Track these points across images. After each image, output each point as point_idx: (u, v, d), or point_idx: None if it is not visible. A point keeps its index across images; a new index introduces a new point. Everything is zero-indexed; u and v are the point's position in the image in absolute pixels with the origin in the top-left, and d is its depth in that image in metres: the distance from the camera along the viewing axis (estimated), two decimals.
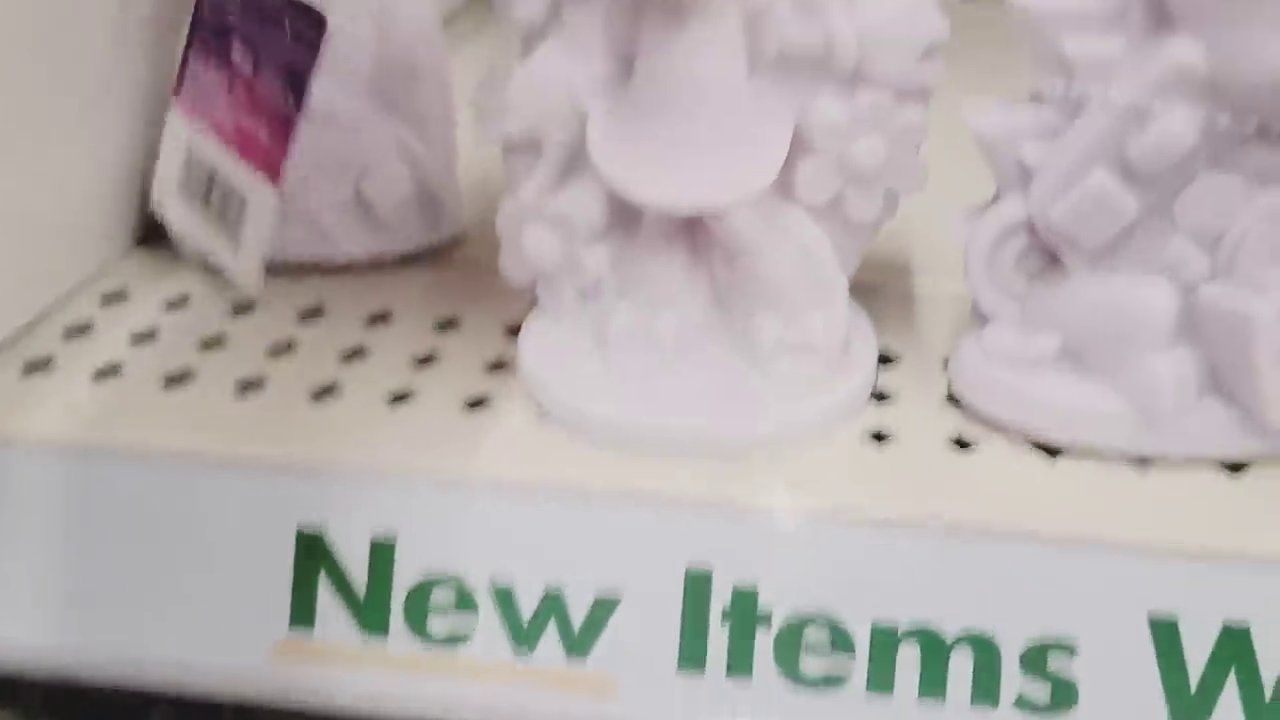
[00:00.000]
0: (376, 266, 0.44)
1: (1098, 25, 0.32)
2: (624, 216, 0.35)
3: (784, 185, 0.34)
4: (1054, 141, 0.33)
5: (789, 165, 0.34)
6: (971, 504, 0.32)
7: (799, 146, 0.34)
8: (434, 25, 0.44)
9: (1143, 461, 0.33)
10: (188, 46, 0.40)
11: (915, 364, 0.38)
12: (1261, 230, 0.31)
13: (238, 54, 0.39)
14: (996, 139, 0.34)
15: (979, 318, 0.36)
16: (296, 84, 0.38)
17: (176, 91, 0.41)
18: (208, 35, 0.40)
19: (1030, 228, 0.34)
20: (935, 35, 0.33)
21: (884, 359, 0.38)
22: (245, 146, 0.39)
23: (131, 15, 0.42)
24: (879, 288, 0.41)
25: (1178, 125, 0.30)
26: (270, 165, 0.39)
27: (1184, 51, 0.30)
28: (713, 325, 0.35)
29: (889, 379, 0.37)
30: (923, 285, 0.42)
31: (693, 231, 0.35)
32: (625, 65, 0.34)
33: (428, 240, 0.45)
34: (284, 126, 0.38)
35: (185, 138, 0.41)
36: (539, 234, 0.36)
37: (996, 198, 0.35)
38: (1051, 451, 0.34)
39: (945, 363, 0.37)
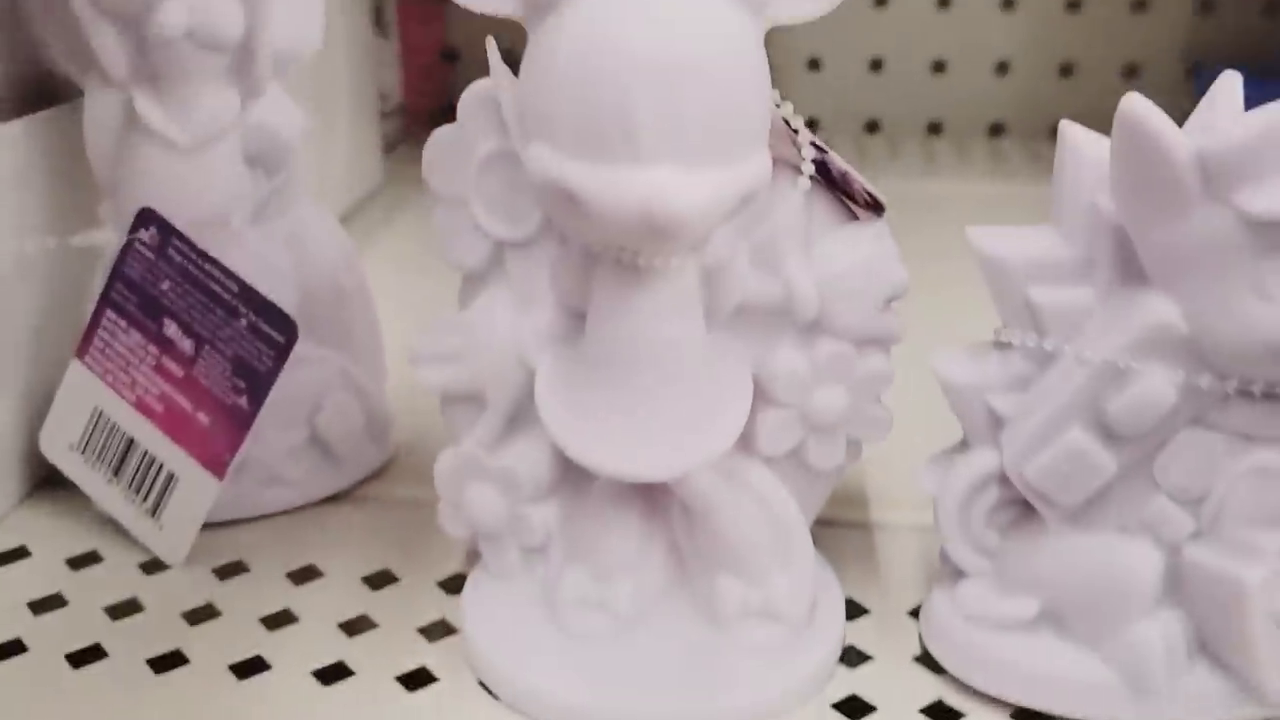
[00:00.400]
0: (290, 511, 0.41)
1: (1065, 276, 0.31)
2: (573, 472, 0.33)
3: (744, 437, 0.32)
4: (1024, 392, 0.32)
5: (749, 416, 0.32)
6: None
7: (759, 397, 0.32)
8: (349, 244, 0.42)
9: None
10: (101, 303, 0.37)
11: (885, 616, 0.36)
12: (1246, 490, 0.30)
13: (172, 331, 0.36)
14: (965, 388, 0.32)
15: (950, 569, 0.34)
16: (255, 385, 0.36)
17: (83, 350, 0.38)
18: (127, 296, 0.37)
19: (1002, 479, 0.32)
20: (896, 285, 0.32)
21: (852, 610, 0.36)
22: (176, 426, 0.37)
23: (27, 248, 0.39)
24: (841, 522, 0.40)
25: (1157, 385, 0.29)
26: (213, 458, 0.37)
27: (1162, 310, 0.29)
28: (671, 589, 0.33)
29: (859, 635, 0.35)
30: (886, 517, 0.40)
31: (649, 489, 0.32)
32: (573, 318, 0.32)
33: (375, 467, 0.42)
34: (233, 421, 0.36)
35: (93, 398, 0.38)
36: (483, 491, 0.33)
37: (965, 445, 0.33)
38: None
39: (916, 612, 0.35)
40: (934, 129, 0.81)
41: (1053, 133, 0.78)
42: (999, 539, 0.33)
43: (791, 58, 0.80)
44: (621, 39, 0.25)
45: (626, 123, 0.25)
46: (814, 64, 0.81)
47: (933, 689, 0.33)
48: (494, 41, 0.31)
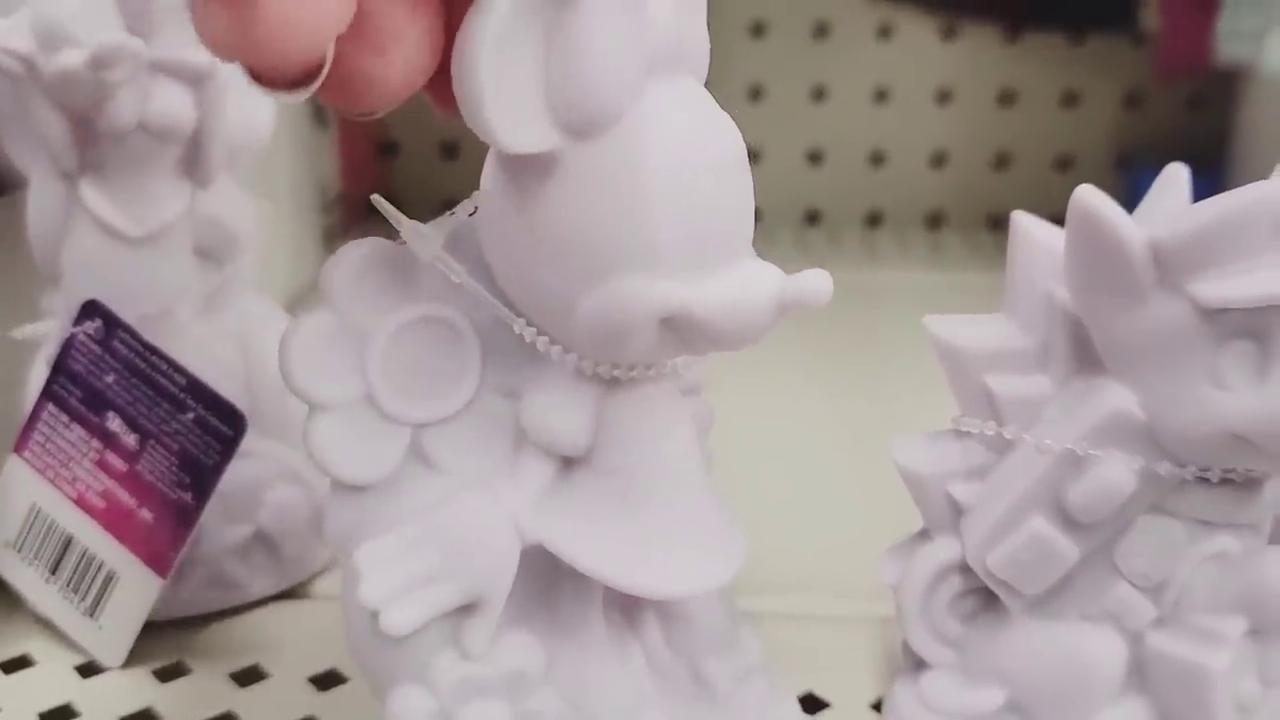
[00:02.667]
0: (234, 608, 0.39)
1: (1022, 363, 0.32)
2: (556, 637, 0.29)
3: None
4: (984, 480, 0.32)
5: None
6: None
7: None
8: None
9: None
10: (42, 397, 0.36)
11: (846, 710, 0.35)
12: (1206, 576, 0.30)
13: (116, 425, 0.35)
14: (925, 477, 0.32)
15: (913, 660, 0.34)
16: (199, 478, 0.35)
17: (21, 444, 0.37)
18: (70, 390, 0.36)
19: (964, 568, 0.32)
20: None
21: (813, 705, 0.35)
22: (117, 523, 0.36)
23: None
24: (800, 615, 0.39)
25: (1116, 472, 0.29)
26: (156, 555, 0.35)
27: (1119, 398, 0.29)
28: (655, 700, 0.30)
29: None
30: (845, 609, 0.40)
31: (628, 617, 0.30)
32: (562, 463, 0.27)
33: (322, 565, 0.41)
34: (178, 517, 0.35)
35: (30, 494, 0.37)
36: (486, 708, 0.27)
37: (925, 535, 0.33)
38: None
39: (878, 705, 0.35)
40: (873, 220, 0.82)
41: (990, 222, 0.79)
42: (962, 628, 0.33)
43: None
44: (703, 138, 0.24)
45: (727, 221, 0.24)
46: (754, 156, 0.82)
47: None
48: (381, 199, 0.26)
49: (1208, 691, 0.30)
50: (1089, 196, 0.29)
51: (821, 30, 0.79)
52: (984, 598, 0.33)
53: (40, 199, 0.36)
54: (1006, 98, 0.80)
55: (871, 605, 0.39)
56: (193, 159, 0.36)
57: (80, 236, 0.36)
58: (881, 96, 0.81)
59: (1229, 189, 0.28)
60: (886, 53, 0.80)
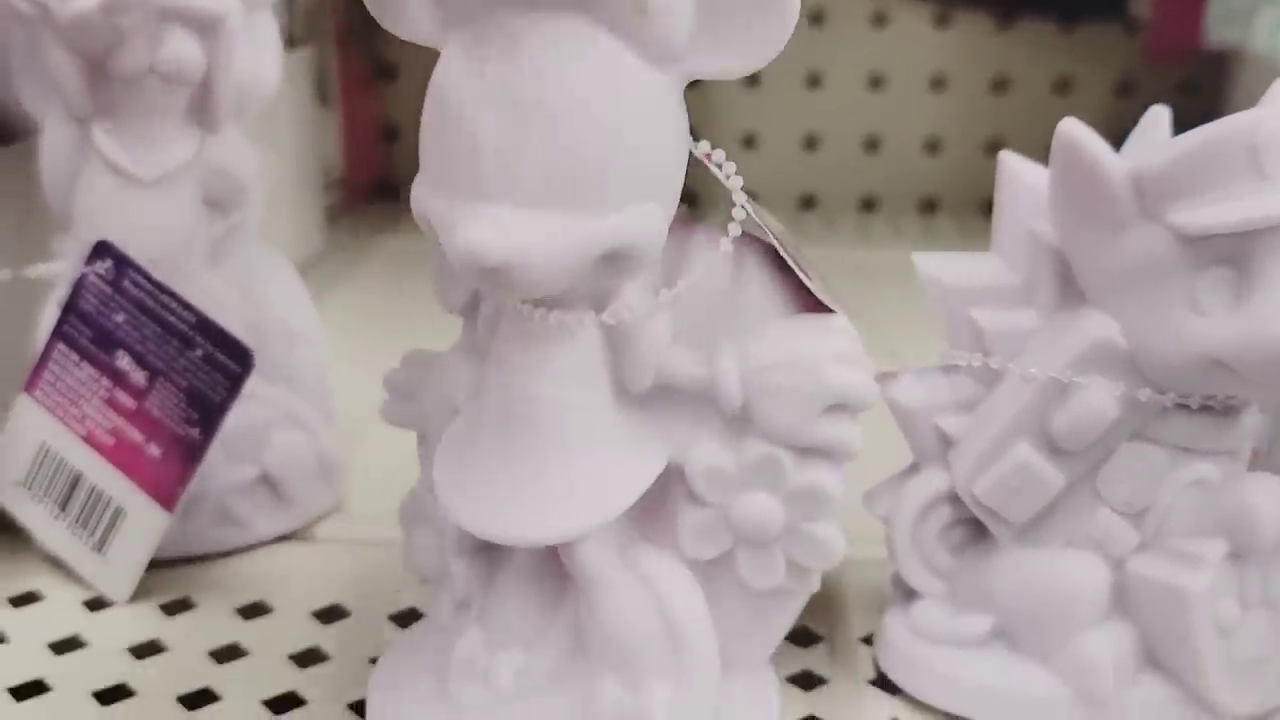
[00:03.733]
0: (239, 549, 0.40)
1: (1009, 298, 0.33)
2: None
3: (667, 532, 0.30)
4: (972, 412, 0.33)
5: (673, 511, 0.29)
6: None
7: (684, 491, 0.29)
8: (299, 286, 0.43)
9: None
10: (53, 336, 0.37)
11: (839, 643, 0.36)
12: (1187, 502, 0.31)
13: (125, 363, 0.36)
14: (914, 410, 0.33)
15: (904, 591, 0.35)
16: (207, 414, 0.36)
17: (32, 384, 0.37)
18: (80, 330, 0.37)
19: (953, 499, 0.33)
20: (841, 392, 0.28)
21: (806, 638, 0.36)
22: (126, 459, 0.36)
23: None
24: None
25: (1099, 399, 0.30)
26: (163, 490, 0.36)
27: (1102, 327, 0.30)
28: (565, 675, 0.30)
29: (813, 660, 0.35)
30: None
31: (562, 569, 0.30)
32: None
33: (325, 509, 0.42)
34: (185, 452, 0.36)
35: (40, 433, 0.37)
36: (424, 535, 0.32)
37: (915, 469, 0.34)
38: None
39: (869, 639, 0.36)
40: (868, 204, 0.83)
41: (983, 207, 0.80)
42: (951, 559, 0.34)
43: (728, 135, 0.82)
44: (476, 72, 0.24)
45: (473, 157, 0.24)
46: (749, 141, 0.83)
47: (887, 708, 0.33)
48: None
49: (1187, 613, 0.30)
50: (1073, 129, 0.30)
51: (817, 17, 0.80)
52: (972, 528, 0.34)
53: (53, 143, 0.37)
54: (999, 84, 0.81)
55: (866, 548, 0.39)
56: (202, 105, 0.37)
57: (92, 179, 0.37)
58: (876, 83, 0.82)
59: None
60: (881, 40, 0.81)
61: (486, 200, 0.24)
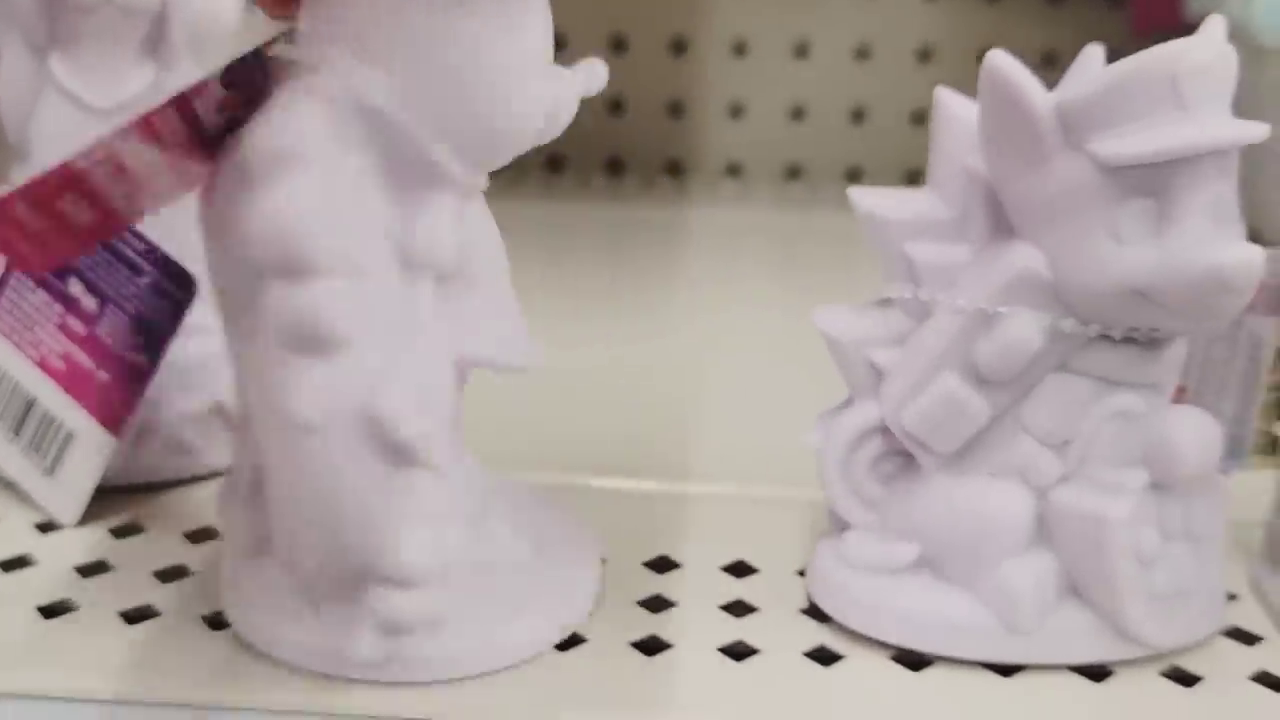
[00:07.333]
0: (191, 478, 0.41)
1: (942, 233, 0.33)
2: None
3: None
4: (904, 345, 0.33)
5: None
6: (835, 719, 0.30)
7: None
8: None
9: (1007, 670, 0.32)
10: (9, 264, 0.38)
11: (774, 575, 0.36)
12: (1109, 433, 0.32)
13: (77, 289, 0.37)
14: (847, 343, 0.34)
15: (837, 524, 0.35)
16: (153, 340, 0.37)
17: None
18: None
19: (884, 431, 0.34)
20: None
21: (743, 570, 0.37)
22: (76, 385, 0.37)
23: None
24: (740, 497, 0.41)
25: (1023, 329, 0.31)
26: (111, 414, 0.37)
27: (1027, 258, 0.31)
28: None
29: (748, 590, 0.36)
30: (783, 493, 0.41)
31: None
32: None
33: None
34: (132, 378, 0.37)
35: None
36: None
37: (849, 403, 0.35)
38: (917, 663, 0.32)
39: (803, 572, 0.36)
40: (853, 175, 0.84)
41: None
42: (882, 490, 0.34)
43: (715, 104, 0.83)
44: None
45: None
46: (736, 111, 0.83)
47: (816, 635, 0.33)
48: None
49: (1106, 541, 0.31)
50: (999, 61, 0.31)
51: None
52: (903, 461, 0.34)
53: (11, 72, 0.38)
54: (982, 58, 0.81)
55: (806, 490, 0.40)
56: (158, 38, 0.38)
57: (49, 109, 0.38)
58: (863, 54, 0.82)
59: None
60: (868, 10, 0.81)
61: None
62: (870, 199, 0.34)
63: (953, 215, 0.33)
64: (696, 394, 0.50)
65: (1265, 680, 0.32)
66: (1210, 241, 0.29)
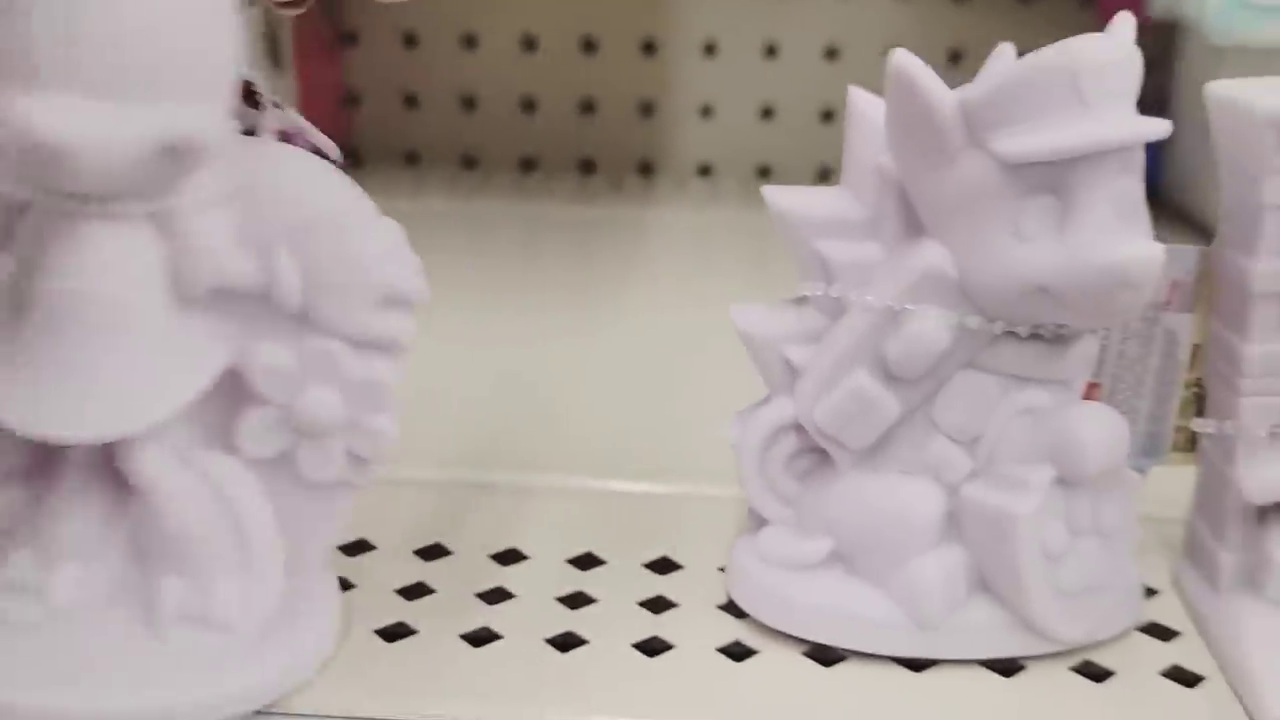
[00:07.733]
0: None
1: (855, 231, 0.33)
2: (44, 455, 0.30)
3: (226, 434, 0.31)
4: (818, 343, 0.33)
5: (234, 412, 0.30)
6: (744, 716, 0.30)
7: (247, 392, 0.30)
8: None
9: (918, 666, 0.32)
10: None
11: (695, 571, 0.37)
12: (1016, 429, 0.32)
13: None
14: (762, 341, 0.34)
15: (756, 520, 0.35)
16: None
17: None
18: None
19: (799, 428, 0.34)
20: (398, 286, 0.30)
21: (666, 566, 0.37)
22: None
23: None
24: (663, 495, 0.41)
25: (930, 327, 0.31)
26: None
27: (934, 255, 0.31)
28: (127, 584, 0.30)
29: (669, 586, 0.36)
30: (712, 491, 0.41)
31: (118, 476, 0.30)
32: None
33: None
34: None
35: None
36: None
37: (767, 400, 0.35)
38: (829, 658, 0.33)
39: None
40: (823, 175, 0.84)
41: None
42: (797, 486, 0.34)
43: (685, 105, 0.83)
44: None
45: (30, 45, 0.25)
46: (706, 111, 0.83)
47: (732, 631, 0.34)
48: None
49: (1012, 536, 0.31)
50: (903, 60, 0.31)
51: None
52: (819, 457, 0.34)
53: None
54: (956, 56, 0.81)
55: (732, 488, 0.40)
56: None
57: None
58: (832, 54, 0.82)
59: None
60: (838, 10, 0.82)
61: (44, 88, 0.25)
62: (784, 197, 0.34)
63: (866, 213, 0.33)
64: (667, 392, 0.50)
65: (1176, 675, 0.32)
66: (1110, 238, 0.29)
